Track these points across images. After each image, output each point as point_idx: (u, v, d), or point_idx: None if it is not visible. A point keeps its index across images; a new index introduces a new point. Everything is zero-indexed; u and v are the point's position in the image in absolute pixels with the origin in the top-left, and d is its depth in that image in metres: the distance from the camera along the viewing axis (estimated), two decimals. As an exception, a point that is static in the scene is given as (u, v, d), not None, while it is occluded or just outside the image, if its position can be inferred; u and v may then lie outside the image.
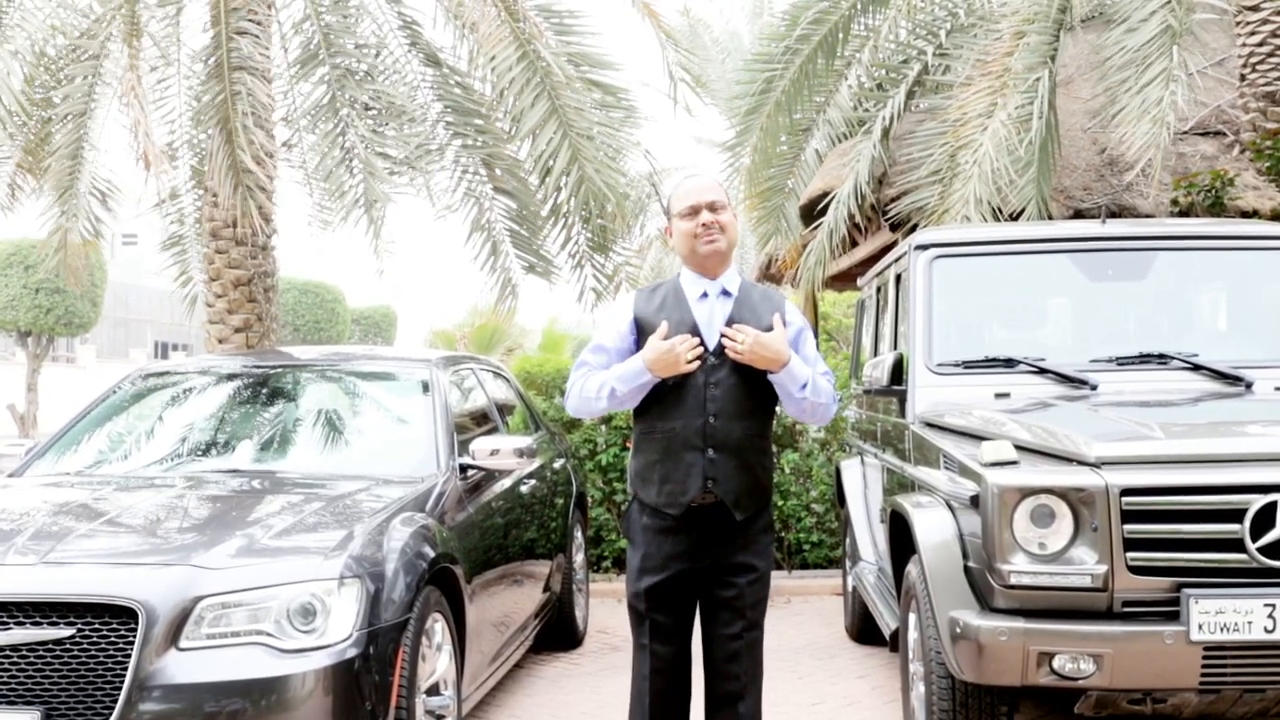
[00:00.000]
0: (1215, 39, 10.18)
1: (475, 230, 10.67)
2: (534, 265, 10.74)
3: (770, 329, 4.12)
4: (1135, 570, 4.08)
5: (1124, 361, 5.47)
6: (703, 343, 4.11)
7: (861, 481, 7.44)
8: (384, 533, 4.73)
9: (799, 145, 12.03)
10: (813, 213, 11.23)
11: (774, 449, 9.74)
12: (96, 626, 4.10)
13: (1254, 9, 8.36)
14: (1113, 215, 7.78)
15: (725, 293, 4.21)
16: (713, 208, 4.16)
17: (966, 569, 4.47)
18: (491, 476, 6.20)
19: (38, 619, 4.10)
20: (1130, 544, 4.09)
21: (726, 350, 4.06)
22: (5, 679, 4.05)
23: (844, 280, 13.59)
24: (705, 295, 4.20)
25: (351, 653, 4.25)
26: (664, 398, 4.14)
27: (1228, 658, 4.04)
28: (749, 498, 4.16)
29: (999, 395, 5.37)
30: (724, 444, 4.11)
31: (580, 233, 10.32)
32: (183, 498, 5.20)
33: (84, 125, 9.96)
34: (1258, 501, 4.05)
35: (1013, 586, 4.17)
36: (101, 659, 4.07)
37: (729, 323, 4.14)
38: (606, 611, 8.84)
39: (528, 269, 10.76)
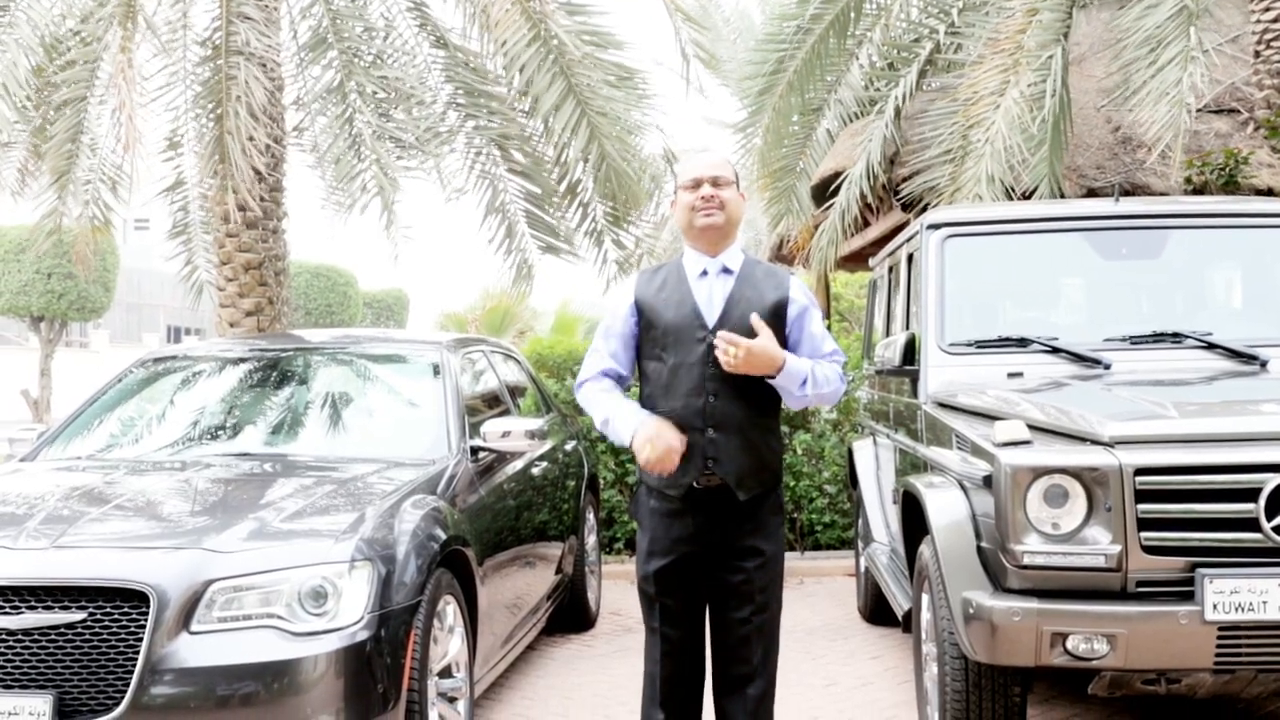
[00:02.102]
0: (1229, 15, 10.12)
1: (490, 212, 10.65)
2: (551, 245, 10.72)
3: (770, 309, 4.07)
4: (1149, 550, 4.06)
5: (1138, 340, 5.44)
6: (702, 324, 4.07)
7: (874, 462, 7.43)
8: (395, 515, 4.73)
9: (810, 125, 12.00)
10: (825, 193, 11.20)
11: (785, 429, 9.74)
12: (108, 610, 4.10)
13: (1269, -15, 8.32)
14: (1126, 194, 7.75)
15: (726, 270, 4.15)
16: (715, 182, 4.10)
17: (979, 549, 4.45)
18: (503, 459, 6.19)
19: (49, 603, 4.10)
20: (1144, 524, 4.07)
21: (720, 363, 3.97)
22: (18, 663, 4.05)
23: (856, 260, 13.56)
24: (705, 273, 4.15)
25: (363, 635, 4.24)
26: (665, 379, 4.10)
27: (1242, 638, 4.02)
28: (753, 478, 4.11)
29: (1012, 375, 5.35)
30: (724, 424, 4.04)
31: (599, 207, 10.28)
32: (193, 481, 5.20)
33: (83, 109, 9.94)
34: (1272, 481, 4.03)
35: (1026, 567, 4.15)
36: (113, 643, 4.07)
37: (729, 302, 4.09)
38: (619, 593, 8.85)
39: (544, 249, 10.74)
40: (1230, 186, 8.46)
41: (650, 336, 4.16)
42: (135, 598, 4.11)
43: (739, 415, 4.06)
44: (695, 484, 4.08)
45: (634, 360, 4.25)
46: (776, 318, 4.09)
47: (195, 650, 4.08)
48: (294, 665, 4.10)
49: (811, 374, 4.05)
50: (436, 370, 6.19)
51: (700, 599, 4.26)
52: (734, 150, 12.56)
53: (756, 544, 4.15)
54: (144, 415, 6.28)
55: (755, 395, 4.08)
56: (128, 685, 4.02)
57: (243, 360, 6.50)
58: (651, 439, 3.94)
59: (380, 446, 5.73)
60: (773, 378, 4.00)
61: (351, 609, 4.27)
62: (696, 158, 4.23)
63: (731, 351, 3.90)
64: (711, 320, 4.08)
